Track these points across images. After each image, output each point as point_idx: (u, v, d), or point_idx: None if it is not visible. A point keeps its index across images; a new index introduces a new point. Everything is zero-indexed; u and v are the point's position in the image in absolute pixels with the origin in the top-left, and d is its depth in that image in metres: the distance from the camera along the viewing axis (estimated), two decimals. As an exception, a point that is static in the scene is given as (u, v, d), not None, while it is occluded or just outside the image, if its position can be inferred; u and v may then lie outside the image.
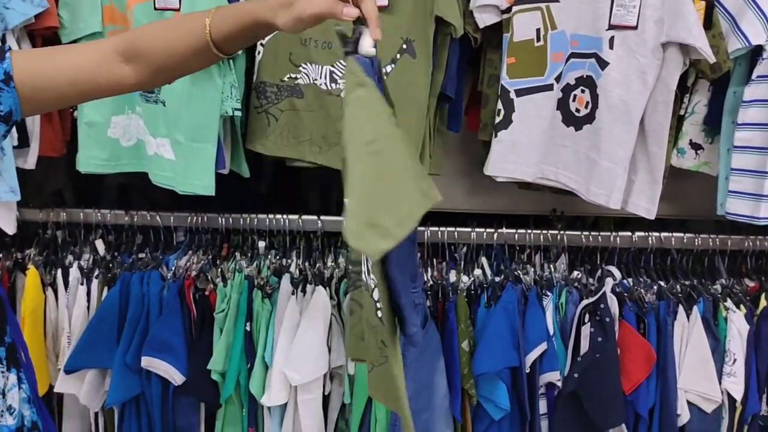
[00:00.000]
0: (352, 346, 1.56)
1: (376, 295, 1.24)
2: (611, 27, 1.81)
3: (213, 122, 1.88)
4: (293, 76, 1.91)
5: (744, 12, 1.79)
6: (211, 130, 1.89)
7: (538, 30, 1.86)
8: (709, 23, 1.79)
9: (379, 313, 1.25)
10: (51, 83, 1.19)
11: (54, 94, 1.21)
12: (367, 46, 1.10)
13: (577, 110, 1.90)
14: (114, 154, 1.96)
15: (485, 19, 1.87)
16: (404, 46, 1.85)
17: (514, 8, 1.84)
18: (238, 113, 1.90)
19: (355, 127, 1.02)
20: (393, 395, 1.25)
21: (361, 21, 1.12)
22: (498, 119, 1.90)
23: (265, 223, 2.09)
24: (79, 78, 1.20)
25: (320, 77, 1.90)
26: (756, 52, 1.83)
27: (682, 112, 1.94)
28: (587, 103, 1.88)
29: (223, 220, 2.10)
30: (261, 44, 1.90)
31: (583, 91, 1.88)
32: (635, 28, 1.78)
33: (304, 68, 1.90)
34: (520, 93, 1.89)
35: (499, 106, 1.90)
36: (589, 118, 1.88)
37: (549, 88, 1.89)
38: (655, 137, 1.84)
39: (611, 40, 1.81)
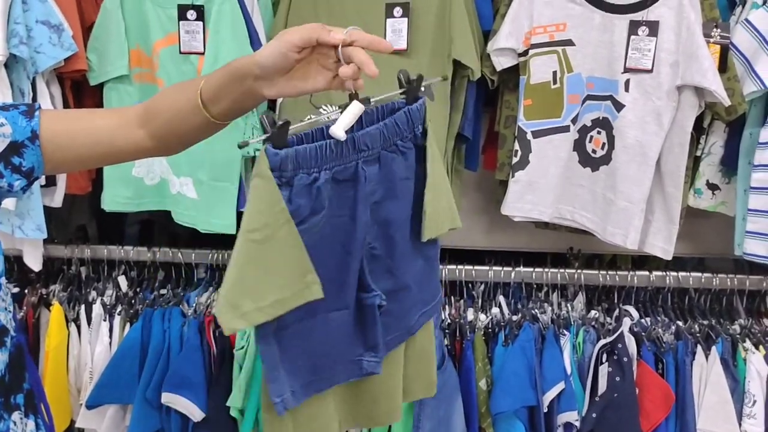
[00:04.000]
0: None
1: None
2: (627, 70, 1.83)
3: (235, 163, 1.93)
4: (312, 117, 1.90)
5: (759, 55, 1.81)
6: (233, 171, 1.93)
7: (554, 72, 1.89)
8: (724, 66, 1.81)
9: None
10: (73, 143, 1.21)
11: (75, 153, 1.22)
12: (338, 128, 1.12)
13: (594, 151, 1.92)
14: (138, 193, 2.01)
15: (502, 62, 1.91)
16: (423, 89, 1.88)
17: (531, 51, 1.88)
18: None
19: (246, 214, 1.10)
20: None
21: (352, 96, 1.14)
22: (515, 160, 1.93)
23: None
24: (99, 139, 1.22)
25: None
26: (771, 94, 1.84)
27: (698, 153, 1.96)
28: (603, 144, 1.90)
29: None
30: None
31: (599, 133, 1.90)
32: (650, 71, 1.81)
33: (324, 110, 1.90)
34: (536, 134, 1.91)
35: (516, 146, 1.92)
36: (606, 159, 1.90)
37: (565, 129, 1.91)
38: (671, 178, 1.86)
39: (627, 82, 1.84)
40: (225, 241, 2.07)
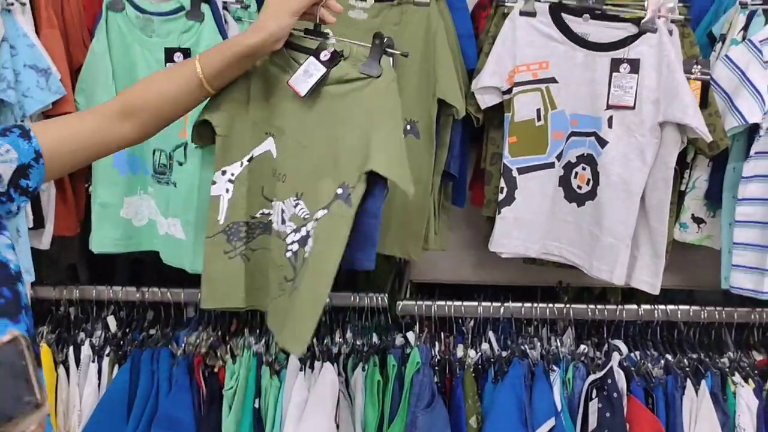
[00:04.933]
0: (246, 295, 1.73)
1: (289, 239, 1.60)
2: (609, 107, 1.85)
3: (223, 202, 1.93)
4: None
5: (739, 90, 1.83)
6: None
7: (538, 110, 1.91)
8: (705, 102, 1.83)
9: (288, 254, 1.60)
10: (66, 150, 1.30)
11: (69, 159, 1.31)
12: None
13: (579, 187, 1.93)
14: (126, 234, 2.01)
15: (487, 101, 1.93)
16: (408, 127, 1.90)
17: (515, 89, 1.90)
18: (247, 192, 1.94)
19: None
20: (292, 317, 1.55)
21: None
22: (501, 196, 1.94)
23: (274, 298, 2.11)
24: (89, 141, 1.34)
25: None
26: (753, 129, 1.86)
27: (683, 187, 1.97)
28: (588, 180, 1.92)
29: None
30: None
31: (584, 169, 1.92)
32: (633, 108, 1.82)
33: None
34: (522, 171, 1.93)
35: (502, 183, 1.94)
36: (591, 194, 1.91)
37: (551, 165, 1.93)
38: (656, 213, 1.87)
39: (610, 119, 1.86)
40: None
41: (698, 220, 2.00)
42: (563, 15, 1.86)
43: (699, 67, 1.82)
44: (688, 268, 2.20)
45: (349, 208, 1.48)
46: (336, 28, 1.60)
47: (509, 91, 1.90)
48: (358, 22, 1.91)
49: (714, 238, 2.01)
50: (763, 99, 1.81)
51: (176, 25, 1.87)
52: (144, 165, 1.97)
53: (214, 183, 1.68)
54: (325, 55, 1.55)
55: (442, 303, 2.12)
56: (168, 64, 1.87)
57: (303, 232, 1.59)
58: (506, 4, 1.92)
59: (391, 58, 1.56)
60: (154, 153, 1.95)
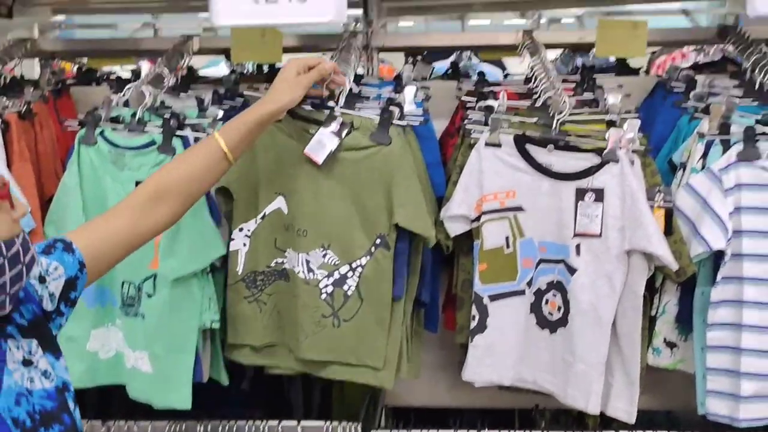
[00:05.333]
0: (263, 333, 1.97)
1: (323, 284, 1.90)
2: (576, 235, 1.87)
3: (191, 334, 1.92)
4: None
5: (702, 218, 1.86)
6: (190, 342, 1.92)
7: (507, 238, 1.93)
8: (670, 229, 1.86)
9: (323, 296, 1.90)
10: (106, 252, 1.35)
11: (108, 259, 1.37)
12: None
13: (550, 314, 1.93)
14: (92, 367, 1.97)
15: (456, 229, 1.95)
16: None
17: (483, 218, 1.92)
18: (216, 324, 1.93)
19: None
20: (361, 337, 1.90)
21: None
22: (473, 324, 1.93)
23: (244, 430, 2.06)
24: (126, 238, 1.40)
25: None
26: (719, 255, 1.88)
27: (653, 312, 1.97)
28: (559, 307, 1.92)
29: (202, 427, 2.07)
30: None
31: (554, 295, 1.93)
32: (599, 236, 1.85)
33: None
34: (493, 298, 1.93)
35: (474, 311, 1.93)
36: (563, 321, 1.91)
37: (521, 293, 1.93)
38: (628, 341, 1.86)
39: (578, 247, 1.88)
40: (181, 412, 2.03)
41: (671, 344, 2.00)
42: (528, 146, 1.90)
43: (662, 195, 1.85)
44: (666, 390, 2.17)
45: (389, 252, 1.88)
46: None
47: (478, 219, 1.93)
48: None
49: (687, 362, 2.00)
50: (725, 226, 1.84)
51: (148, 159, 1.90)
52: (112, 297, 1.95)
53: (232, 239, 1.94)
54: (335, 126, 1.83)
55: (417, 431, 2.08)
56: (110, 208, 1.87)
57: (336, 275, 1.90)
58: (472, 134, 1.96)
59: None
60: (122, 285, 1.93)
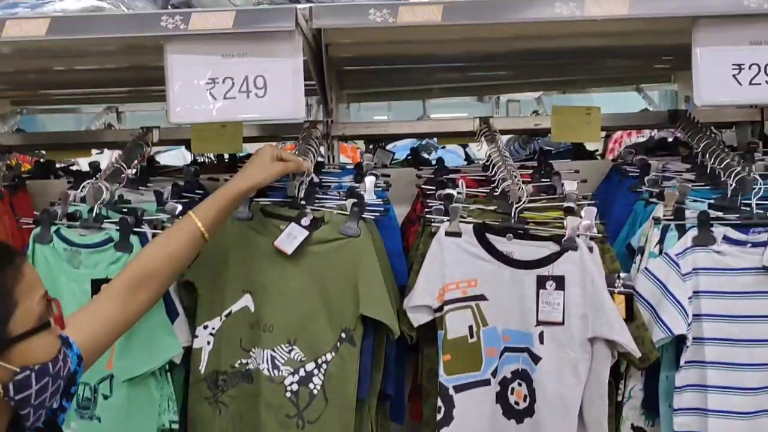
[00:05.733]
0: None
1: (288, 380, 1.86)
2: (539, 323, 1.87)
3: (150, 437, 1.85)
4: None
5: (662, 303, 1.87)
6: (149, 445, 1.85)
7: (470, 327, 1.92)
8: (631, 315, 1.86)
9: (288, 394, 1.86)
10: (96, 341, 1.41)
11: (98, 349, 1.43)
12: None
13: (516, 403, 1.91)
14: (45, 475, 1.88)
15: (419, 318, 1.93)
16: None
17: (446, 307, 1.91)
18: (176, 425, 1.87)
19: None
20: None
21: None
22: (439, 416, 1.90)
23: None
24: (113, 325, 1.46)
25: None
26: (681, 339, 1.89)
27: (619, 398, 1.96)
28: (525, 396, 1.90)
29: None
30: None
31: (520, 385, 1.91)
32: (562, 323, 1.85)
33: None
34: (458, 389, 1.90)
35: (440, 402, 1.90)
36: (529, 411, 1.89)
37: (487, 382, 1.91)
38: (594, 429, 1.84)
39: (541, 335, 1.87)
40: None
41: (638, 430, 1.97)
42: (487, 235, 1.91)
43: (621, 281, 1.87)
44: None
45: (354, 348, 1.86)
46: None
47: (440, 308, 1.92)
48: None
49: (656, 448, 1.98)
50: (685, 311, 1.85)
51: (104, 257, 1.87)
52: (67, 400, 1.88)
53: (195, 337, 1.91)
54: (305, 221, 1.87)
55: None
56: (94, 296, 1.85)
57: (302, 372, 1.87)
58: (433, 223, 1.97)
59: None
60: (77, 386, 1.87)
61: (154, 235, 1.91)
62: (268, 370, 1.89)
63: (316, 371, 1.87)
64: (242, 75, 1.77)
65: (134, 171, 2.24)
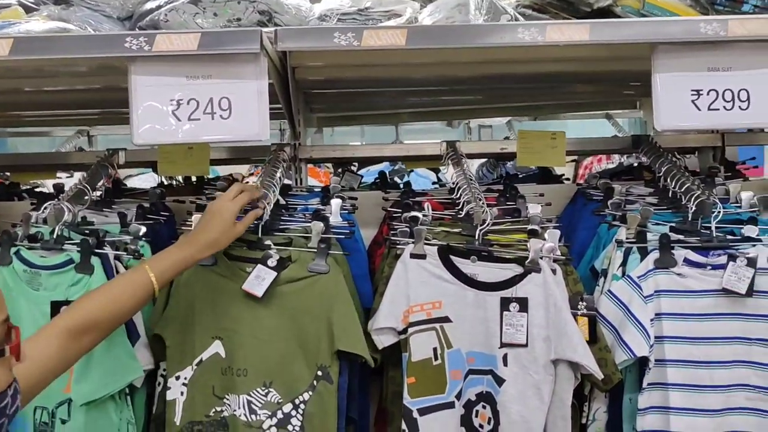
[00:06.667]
0: None
1: (266, 424, 1.84)
2: (503, 345, 1.87)
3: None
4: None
5: (625, 325, 1.89)
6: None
7: (434, 349, 1.91)
8: (594, 337, 1.87)
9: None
10: (35, 380, 1.39)
11: (36, 389, 1.41)
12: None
13: (481, 425, 1.90)
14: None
15: (383, 341, 1.92)
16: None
17: (410, 329, 1.90)
18: (136, 450, 1.84)
19: None
20: None
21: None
22: (403, 440, 1.89)
23: None
24: (56, 365, 1.45)
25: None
26: (643, 361, 1.90)
27: (583, 421, 1.96)
28: (489, 419, 1.89)
29: None
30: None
31: (484, 407, 1.90)
32: (525, 345, 1.85)
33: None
34: (422, 412, 1.89)
35: (404, 426, 1.89)
36: (494, 434, 1.88)
37: (451, 405, 1.90)
38: (559, 451, 1.84)
39: (505, 357, 1.87)
40: None
41: (602, 452, 1.98)
42: (452, 257, 1.92)
43: (585, 303, 1.88)
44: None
45: (331, 385, 1.85)
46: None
47: (405, 331, 1.91)
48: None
49: (621, 470, 1.98)
50: (647, 333, 1.87)
51: (64, 279, 1.84)
52: (24, 424, 1.85)
53: (168, 388, 1.87)
54: (272, 262, 1.85)
55: None
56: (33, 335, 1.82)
57: (279, 414, 1.85)
58: (398, 246, 1.97)
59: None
60: (35, 411, 1.83)
61: (116, 257, 1.90)
62: (244, 415, 1.86)
63: (293, 412, 1.86)
64: (207, 97, 1.78)
65: (99, 193, 2.22)
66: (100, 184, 2.21)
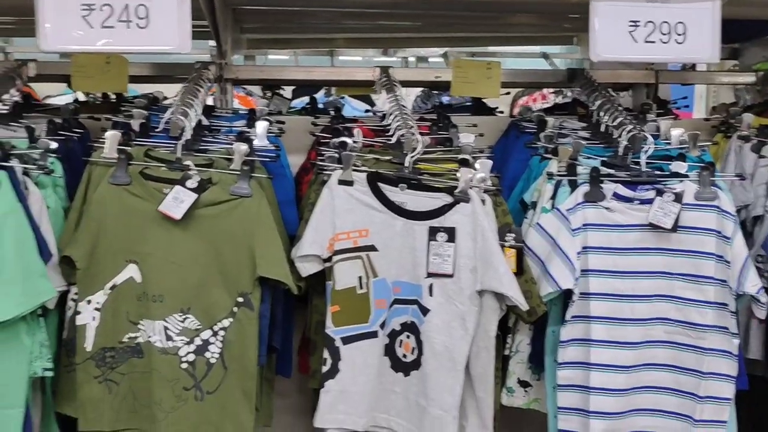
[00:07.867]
0: (116, 419, 1.81)
1: (183, 351, 1.78)
2: (429, 275, 1.84)
3: (21, 385, 1.73)
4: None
5: (552, 257, 1.88)
6: (19, 394, 1.73)
7: (360, 278, 1.87)
8: (521, 269, 1.86)
9: (183, 365, 1.78)
10: None
11: None
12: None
13: (404, 356, 1.89)
14: None
15: (308, 269, 1.88)
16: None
17: (335, 257, 1.86)
18: (49, 373, 1.76)
19: None
20: (228, 413, 1.78)
21: None
22: (325, 368, 1.85)
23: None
24: None
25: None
26: (569, 294, 1.90)
27: (507, 352, 1.97)
28: (413, 348, 1.87)
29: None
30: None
31: (408, 337, 1.88)
32: (452, 276, 1.83)
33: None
34: (346, 341, 1.86)
35: (326, 355, 1.86)
36: (416, 364, 1.87)
37: (374, 335, 1.87)
38: (481, 383, 1.84)
39: (430, 287, 1.85)
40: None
41: (524, 384, 2.00)
42: (380, 184, 1.87)
43: (513, 235, 1.86)
44: (522, 431, 2.17)
45: (252, 312, 1.79)
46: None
47: (330, 259, 1.86)
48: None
49: (541, 401, 2.00)
50: (573, 265, 1.87)
51: (-33, 193, 1.72)
52: None
53: (79, 312, 1.78)
54: (192, 183, 1.76)
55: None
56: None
57: (198, 341, 1.79)
58: (325, 171, 1.91)
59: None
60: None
61: (24, 172, 1.78)
62: (160, 341, 1.80)
63: (213, 339, 1.80)
64: (122, 2, 1.65)
65: (6, 107, 2.07)
66: (6, 97, 2.05)
